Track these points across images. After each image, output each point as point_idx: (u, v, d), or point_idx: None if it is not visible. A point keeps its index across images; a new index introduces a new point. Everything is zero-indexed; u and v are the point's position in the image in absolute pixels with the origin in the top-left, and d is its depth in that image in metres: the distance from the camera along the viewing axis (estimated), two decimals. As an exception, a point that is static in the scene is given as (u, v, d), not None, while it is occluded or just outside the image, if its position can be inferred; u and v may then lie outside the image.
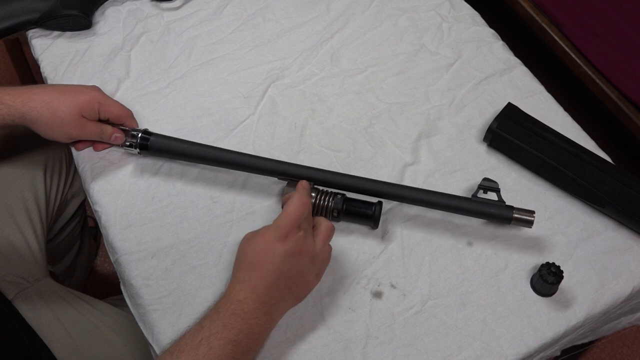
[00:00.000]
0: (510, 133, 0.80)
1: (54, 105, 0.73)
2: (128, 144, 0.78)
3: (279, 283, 0.64)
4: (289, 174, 0.75)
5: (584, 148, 0.80)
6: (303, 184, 0.72)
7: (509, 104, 0.84)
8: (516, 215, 0.72)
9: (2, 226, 0.89)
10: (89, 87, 0.79)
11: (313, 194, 0.73)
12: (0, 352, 0.74)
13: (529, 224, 0.72)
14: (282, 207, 0.72)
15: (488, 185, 0.74)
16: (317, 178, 0.74)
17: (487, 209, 0.73)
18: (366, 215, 0.73)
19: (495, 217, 0.73)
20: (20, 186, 0.92)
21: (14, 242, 0.90)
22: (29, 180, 0.93)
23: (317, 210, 0.73)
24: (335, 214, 0.73)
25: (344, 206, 0.73)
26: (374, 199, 0.75)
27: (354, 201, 0.74)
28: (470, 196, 0.74)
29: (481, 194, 0.74)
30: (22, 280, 0.87)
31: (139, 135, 0.78)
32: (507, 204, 0.73)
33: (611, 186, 0.76)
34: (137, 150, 0.78)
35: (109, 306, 0.88)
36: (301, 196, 0.66)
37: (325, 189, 0.75)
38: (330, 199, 0.73)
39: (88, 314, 0.85)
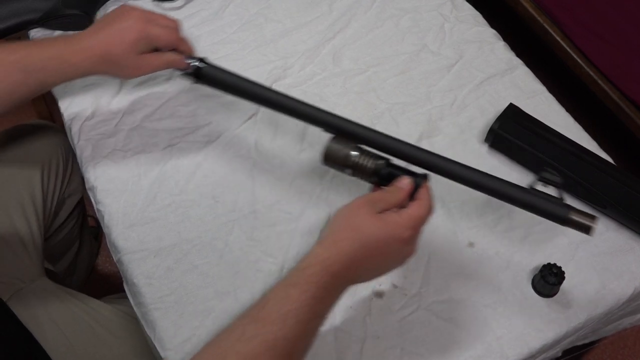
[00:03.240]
0: (512, 134, 0.80)
1: (111, 58, 0.73)
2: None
3: (372, 269, 0.62)
4: (337, 128, 0.69)
5: (585, 149, 0.80)
6: (428, 187, 0.66)
7: (511, 104, 0.84)
8: (573, 217, 0.62)
9: (15, 221, 0.89)
10: (131, 19, 0.74)
11: (355, 152, 0.68)
12: None
13: (587, 230, 0.62)
14: (325, 158, 0.68)
15: (549, 178, 0.65)
16: (365, 137, 0.69)
17: (541, 203, 0.63)
18: None
19: (548, 214, 0.64)
20: (17, 185, 0.92)
21: (10, 242, 0.89)
22: (26, 179, 0.93)
23: (356, 171, 0.68)
24: (374, 178, 0.68)
25: (385, 171, 0.67)
26: (421, 170, 0.68)
27: (397, 168, 0.68)
28: (527, 186, 0.65)
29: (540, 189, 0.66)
30: (17, 280, 0.87)
31: (193, 64, 0.76)
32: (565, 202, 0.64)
33: (612, 187, 0.76)
34: (193, 79, 0.76)
35: (106, 306, 0.87)
36: (430, 201, 0.64)
37: (369, 149, 0.69)
38: (372, 161, 0.67)
39: (83, 313, 0.85)
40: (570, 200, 0.80)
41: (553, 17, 1.51)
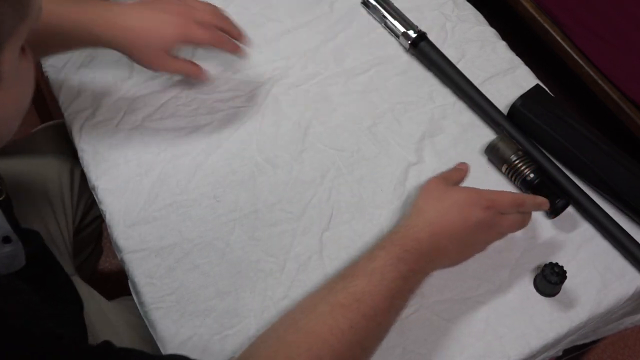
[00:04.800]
0: (533, 112, 0.82)
1: (142, 49, 0.73)
2: (407, 39, 0.90)
3: (457, 242, 0.67)
4: (507, 132, 0.81)
5: (607, 140, 0.81)
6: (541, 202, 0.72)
7: (537, 85, 0.86)
8: None
9: (44, 218, 0.89)
10: (173, 14, 0.74)
11: (516, 156, 0.77)
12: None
13: None
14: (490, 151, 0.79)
15: None
16: (527, 150, 0.78)
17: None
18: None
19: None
20: (60, 178, 0.92)
21: (53, 235, 0.89)
22: (56, 176, 0.93)
23: (511, 171, 0.78)
24: (522, 183, 0.77)
25: (535, 181, 0.76)
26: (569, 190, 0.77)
27: (546, 185, 0.76)
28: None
29: None
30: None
31: (413, 35, 0.89)
32: None
33: (625, 178, 0.77)
34: (409, 46, 0.90)
35: (120, 307, 0.88)
36: (534, 200, 0.71)
37: (527, 158, 0.78)
38: (528, 169, 0.76)
39: (111, 314, 0.85)
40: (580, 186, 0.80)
41: (553, 17, 1.52)
